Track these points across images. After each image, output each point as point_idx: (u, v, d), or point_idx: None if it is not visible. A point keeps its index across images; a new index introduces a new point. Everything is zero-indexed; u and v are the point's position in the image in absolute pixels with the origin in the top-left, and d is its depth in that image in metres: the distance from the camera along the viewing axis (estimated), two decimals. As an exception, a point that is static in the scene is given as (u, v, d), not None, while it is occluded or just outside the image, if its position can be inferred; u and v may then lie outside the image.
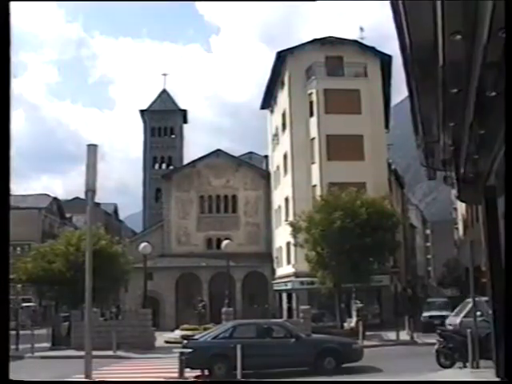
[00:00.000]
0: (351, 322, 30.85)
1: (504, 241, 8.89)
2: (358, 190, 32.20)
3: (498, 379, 11.45)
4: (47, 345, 28.72)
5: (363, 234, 29.45)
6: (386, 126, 45.90)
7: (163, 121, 73.43)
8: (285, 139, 44.04)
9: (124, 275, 33.68)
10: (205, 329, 25.43)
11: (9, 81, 3.80)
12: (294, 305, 39.30)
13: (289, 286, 40.64)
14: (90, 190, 14.44)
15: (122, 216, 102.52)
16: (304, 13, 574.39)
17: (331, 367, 17.25)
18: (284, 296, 43.26)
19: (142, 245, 30.58)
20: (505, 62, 4.98)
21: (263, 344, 17.78)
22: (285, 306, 42.29)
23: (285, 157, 43.89)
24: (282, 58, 43.27)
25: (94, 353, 14.78)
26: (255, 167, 54.77)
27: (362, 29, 50.75)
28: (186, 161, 65.68)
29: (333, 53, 41.90)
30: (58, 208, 74.63)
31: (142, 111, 74.83)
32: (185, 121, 77.81)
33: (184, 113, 77.06)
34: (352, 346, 18.83)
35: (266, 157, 56.00)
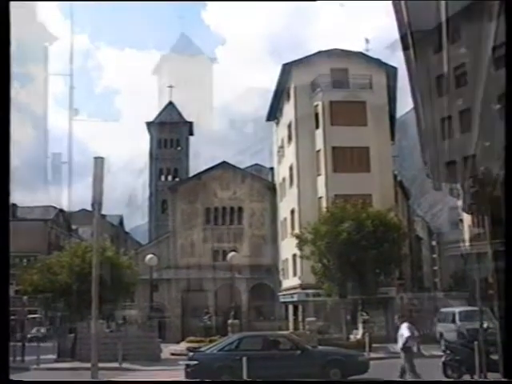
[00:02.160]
0: (357, 334, 30.68)
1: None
2: (363, 202, 32.17)
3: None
4: (53, 356, 28.65)
5: (369, 246, 29.40)
6: (392, 137, 45.84)
7: (169, 133, 73.50)
8: (290, 151, 44.06)
9: (130, 287, 33.66)
10: (211, 341, 25.36)
11: (9, 82, 3.70)
12: (300, 317, 39.14)
13: (295, 298, 40.51)
14: (97, 202, 14.51)
15: (127, 227, 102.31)
16: (310, 25, 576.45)
17: (337, 379, 17.16)
18: (290, 308, 43.11)
19: (148, 256, 30.70)
20: (506, 76, 5.02)
21: (269, 356, 17.69)
22: (291, 318, 42.15)
23: (290, 169, 43.88)
24: (287, 69, 43.35)
25: (100, 365, 14.78)
26: (261, 179, 54.76)
27: (367, 40, 51.31)
28: (191, 173, 65.71)
29: (338, 65, 41.96)
30: (65, 219, 74.61)
31: (148, 123, 75.01)
32: (191, 133, 77.95)
33: (190, 125, 77.21)
34: (358, 358, 18.76)
35: (272, 169, 55.98)
